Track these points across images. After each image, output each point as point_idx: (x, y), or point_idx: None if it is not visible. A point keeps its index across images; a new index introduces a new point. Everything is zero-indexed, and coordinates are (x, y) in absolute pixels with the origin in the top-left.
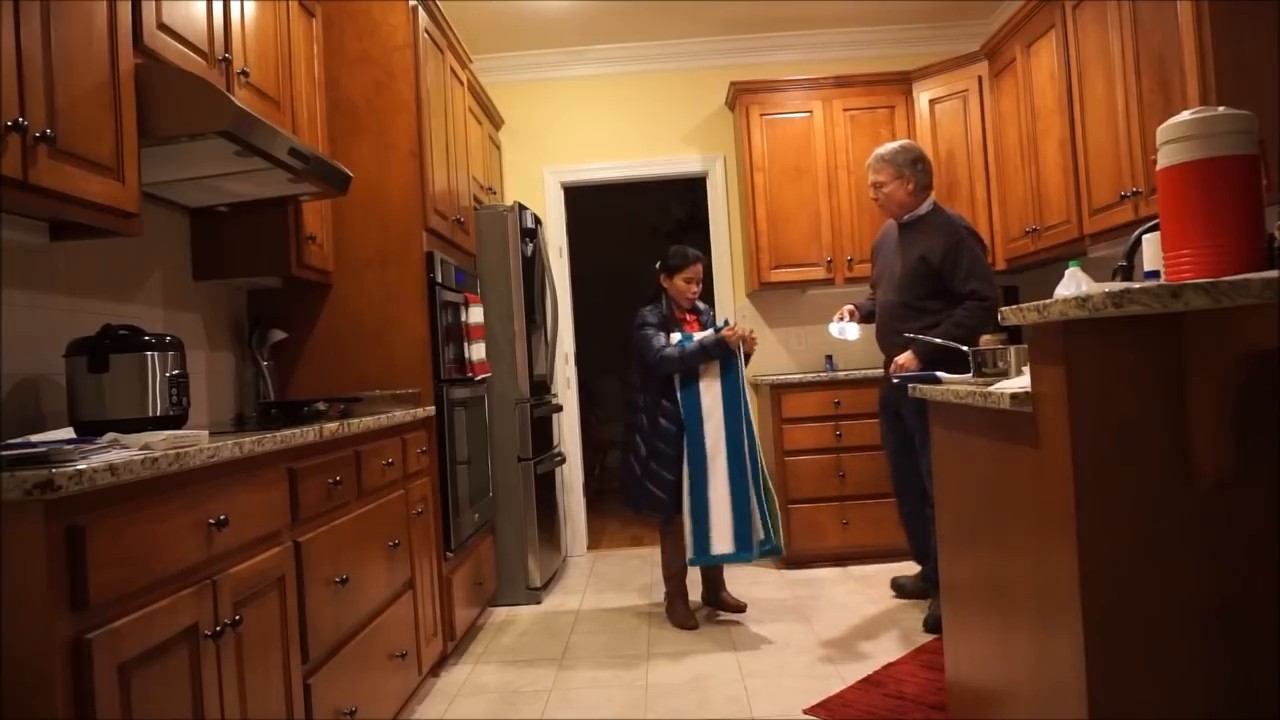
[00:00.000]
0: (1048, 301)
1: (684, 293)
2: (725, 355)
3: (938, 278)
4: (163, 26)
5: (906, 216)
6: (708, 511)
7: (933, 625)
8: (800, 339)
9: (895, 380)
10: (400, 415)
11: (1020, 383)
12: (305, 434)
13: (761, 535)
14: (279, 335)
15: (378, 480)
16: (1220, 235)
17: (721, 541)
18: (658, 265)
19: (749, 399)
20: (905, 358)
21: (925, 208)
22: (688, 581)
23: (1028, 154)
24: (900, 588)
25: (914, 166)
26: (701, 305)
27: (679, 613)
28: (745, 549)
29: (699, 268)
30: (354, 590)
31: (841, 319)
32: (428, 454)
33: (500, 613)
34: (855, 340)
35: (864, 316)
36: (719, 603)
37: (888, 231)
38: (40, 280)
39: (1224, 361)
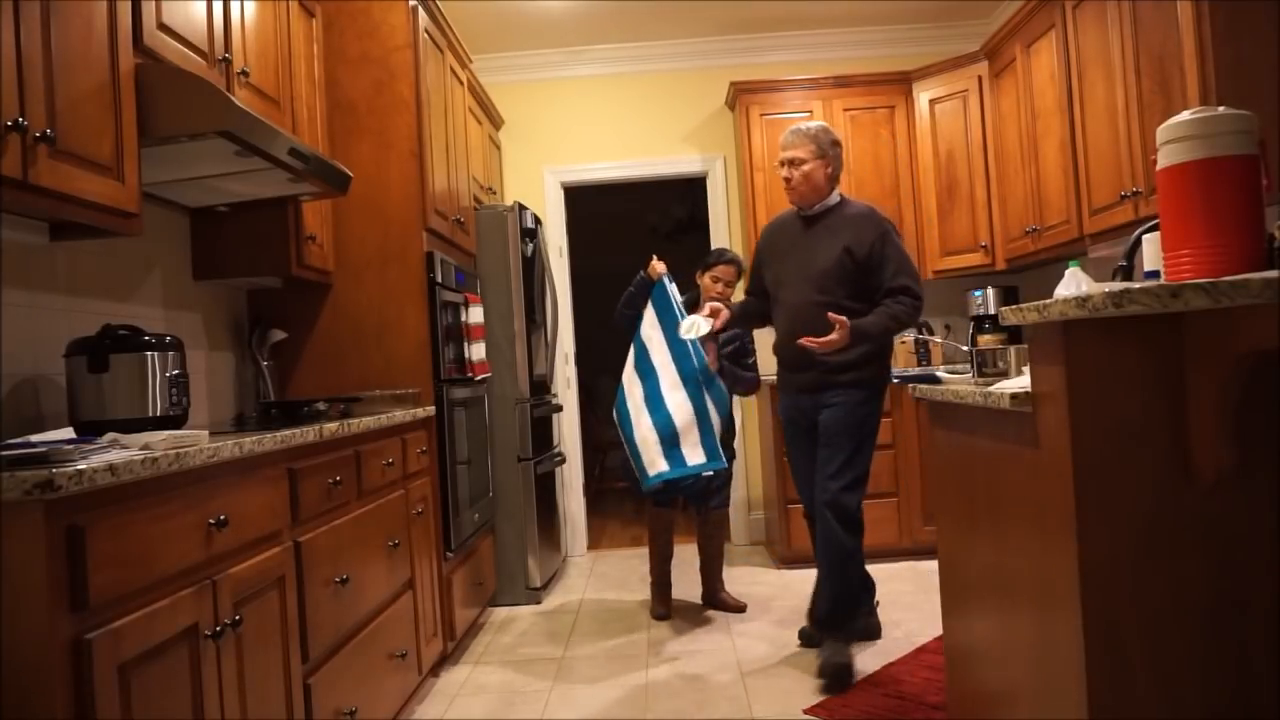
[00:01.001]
0: (1048, 301)
1: (709, 290)
2: (655, 295)
3: (862, 274)
4: (163, 26)
5: (817, 206)
6: (654, 434)
7: (830, 676)
8: None
9: (898, 380)
10: (400, 415)
11: (1020, 383)
12: (305, 434)
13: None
14: (279, 335)
15: (378, 480)
16: (1220, 235)
17: (666, 460)
18: (699, 262)
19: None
20: (837, 335)
21: (835, 198)
22: (689, 581)
23: (1028, 154)
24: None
25: (834, 149)
26: None
27: (655, 600)
28: (716, 459)
29: (729, 269)
30: (354, 590)
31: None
32: (428, 454)
33: (500, 613)
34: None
35: (737, 319)
36: (718, 603)
37: (782, 227)
38: (40, 280)
39: (1224, 361)
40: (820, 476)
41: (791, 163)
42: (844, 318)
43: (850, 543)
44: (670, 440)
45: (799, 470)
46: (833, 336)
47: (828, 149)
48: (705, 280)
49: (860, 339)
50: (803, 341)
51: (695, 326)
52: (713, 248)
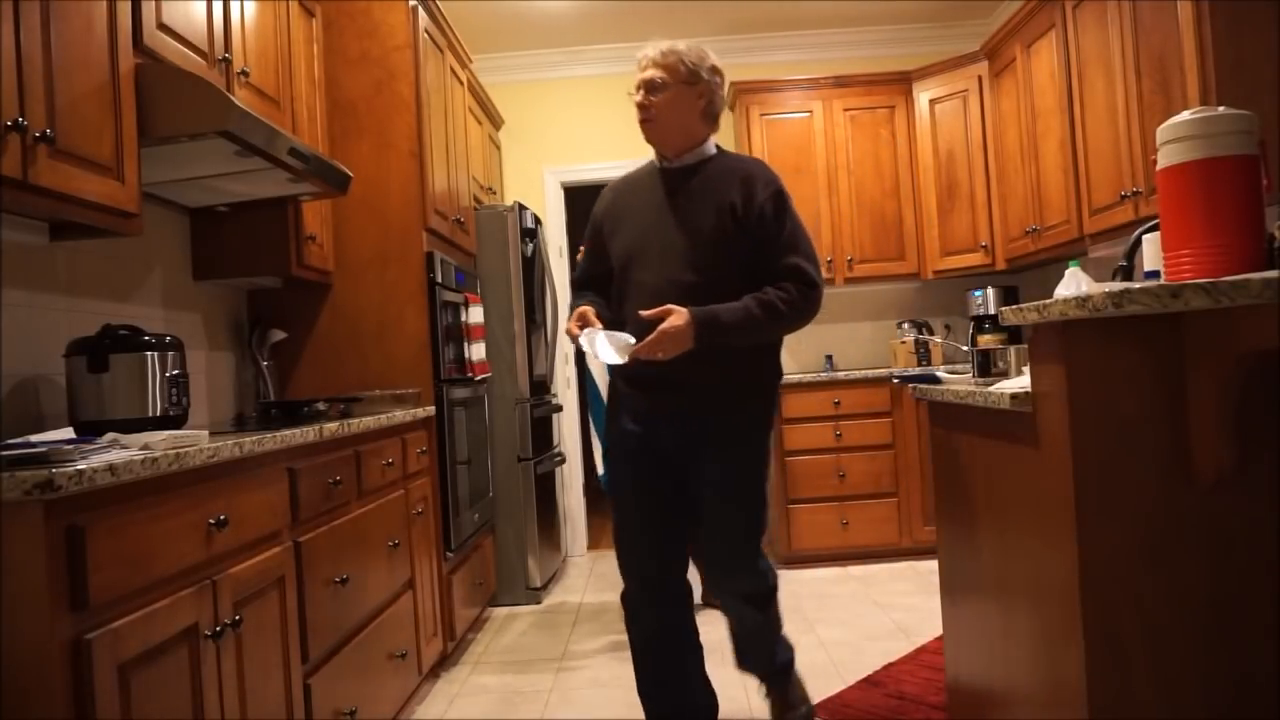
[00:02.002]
0: (1048, 301)
1: None
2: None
3: (752, 244)
4: (163, 26)
5: (686, 155)
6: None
7: None
8: (800, 339)
9: (898, 381)
10: (400, 415)
11: (1020, 383)
12: (305, 434)
13: None
14: (279, 335)
15: (378, 480)
16: (1220, 235)
17: None
18: None
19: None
20: (673, 321)
21: (711, 148)
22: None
23: (1028, 154)
24: None
25: (713, 77)
26: None
27: None
28: None
29: None
30: (354, 590)
31: (583, 328)
32: (428, 454)
33: (500, 612)
34: (619, 361)
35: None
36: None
37: (633, 185)
38: (40, 280)
39: (1224, 361)
40: (715, 554)
41: (649, 86)
42: (679, 307)
43: (774, 618)
44: None
45: (639, 526)
46: (664, 327)
47: (702, 74)
48: None
49: (710, 334)
50: (634, 350)
51: (596, 344)
52: None
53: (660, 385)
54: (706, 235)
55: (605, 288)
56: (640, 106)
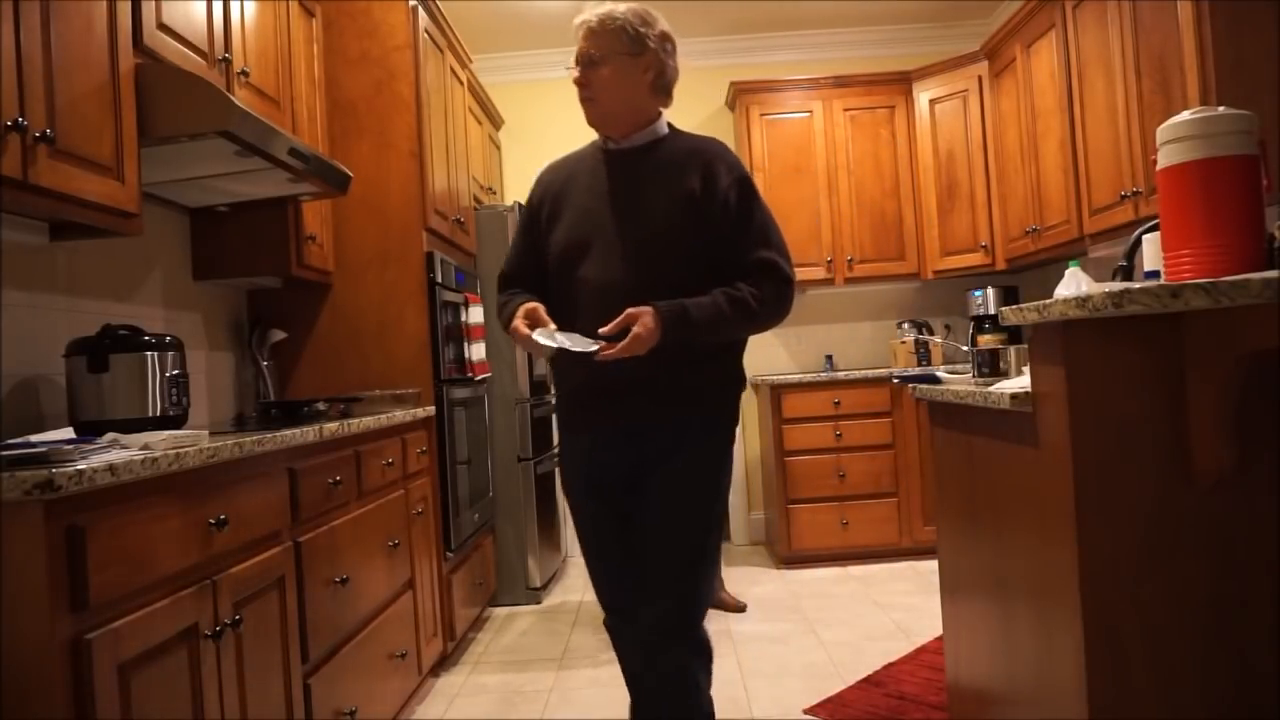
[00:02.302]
0: (1048, 301)
1: None
2: None
3: (714, 238)
4: (163, 26)
5: (635, 135)
6: None
7: None
8: (800, 339)
9: (898, 381)
10: (400, 415)
11: (1020, 383)
12: (305, 434)
13: None
14: (279, 335)
15: (378, 480)
16: (1220, 235)
17: None
18: None
19: None
20: (644, 324)
21: (663, 127)
22: None
23: (1028, 154)
24: None
25: (661, 44)
26: None
27: None
28: None
29: None
30: (354, 590)
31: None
32: (428, 454)
33: (500, 612)
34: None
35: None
36: (717, 603)
37: (575, 169)
38: (40, 280)
39: (1224, 361)
40: (655, 579)
41: (586, 60)
42: (643, 309)
43: (703, 675)
44: None
45: (598, 554)
46: (637, 330)
47: (648, 42)
48: None
49: (677, 329)
50: (604, 354)
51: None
52: None
53: (612, 394)
54: (660, 227)
55: (537, 283)
56: (578, 84)
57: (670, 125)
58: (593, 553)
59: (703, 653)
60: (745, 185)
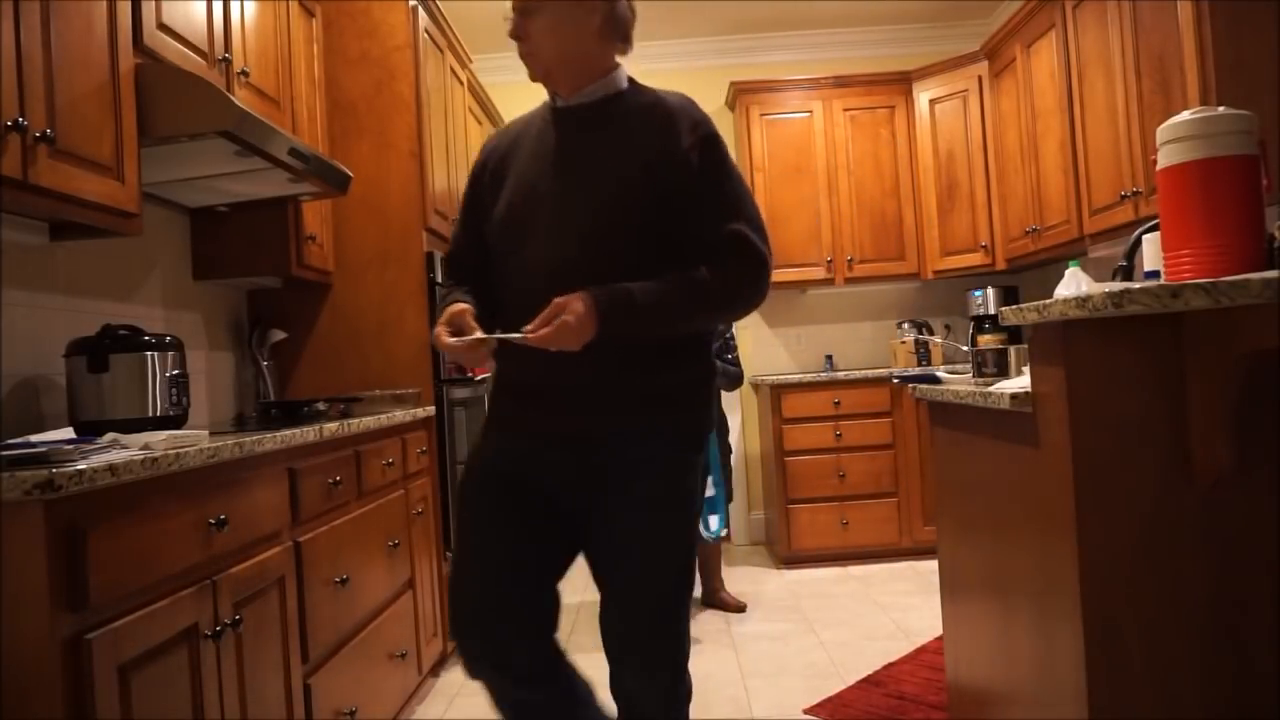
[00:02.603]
0: (1048, 301)
1: None
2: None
3: (673, 209)
4: (162, 26)
5: (586, 89)
6: None
7: None
8: (800, 339)
9: (898, 381)
10: (400, 415)
11: (1020, 383)
12: (305, 434)
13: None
14: (279, 335)
15: (378, 480)
16: (1220, 235)
17: None
18: None
19: None
20: (574, 311)
21: (620, 79)
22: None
23: (1028, 154)
24: None
25: None
26: None
27: None
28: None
29: None
30: (354, 590)
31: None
32: (428, 454)
33: None
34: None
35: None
36: (717, 602)
37: (521, 132)
38: (40, 280)
39: (1224, 361)
40: (624, 630)
41: (522, 10)
42: (579, 294)
43: None
44: None
45: (484, 560)
46: (565, 317)
47: None
48: None
49: (617, 317)
50: (528, 335)
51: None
52: None
53: (548, 395)
54: (613, 197)
55: (483, 268)
56: (513, 37)
57: (631, 80)
58: (467, 558)
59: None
60: (712, 145)
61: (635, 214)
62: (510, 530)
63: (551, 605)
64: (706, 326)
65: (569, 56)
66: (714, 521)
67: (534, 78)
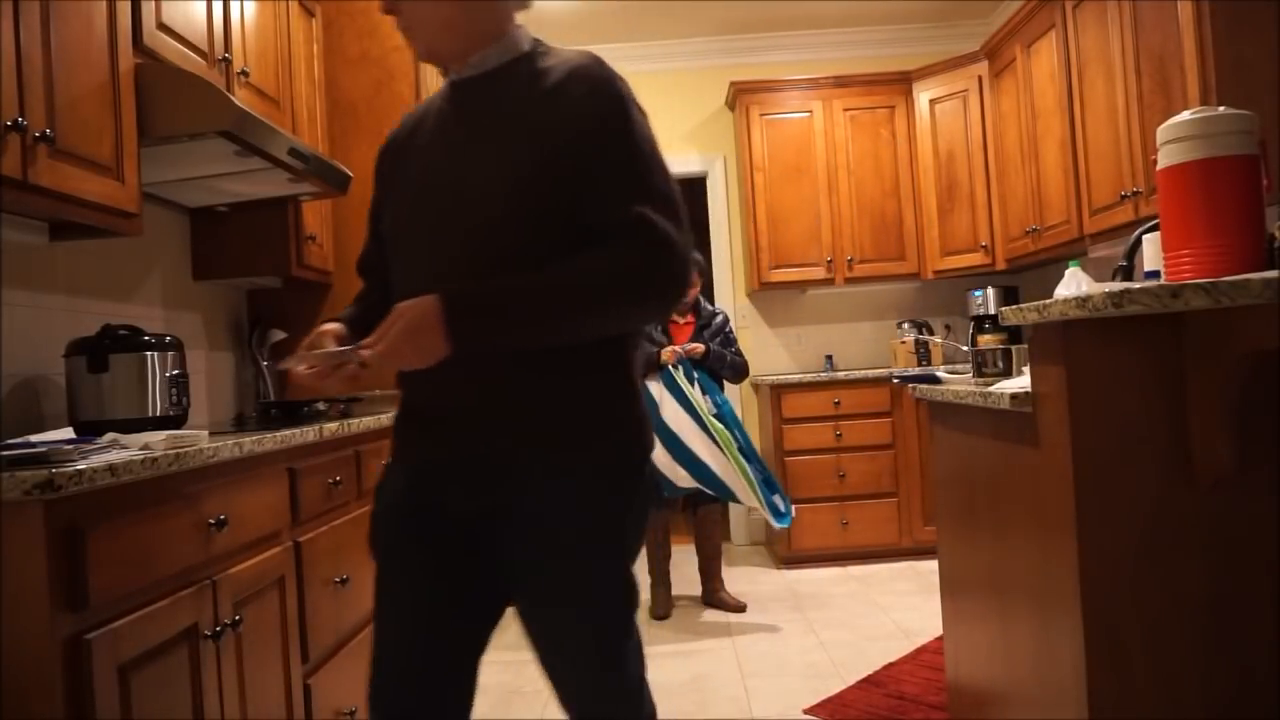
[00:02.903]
0: (1048, 301)
1: None
2: (659, 368)
3: (569, 193)
4: (162, 26)
5: (475, 59)
6: (693, 457)
7: None
8: (800, 339)
9: (898, 381)
10: None
11: (1020, 383)
12: (305, 434)
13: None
14: (279, 335)
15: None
16: (1220, 235)
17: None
18: None
19: (713, 393)
20: (408, 320)
21: (521, 43)
22: (688, 581)
23: (1028, 154)
24: None
25: None
26: (709, 306)
27: (654, 601)
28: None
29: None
30: (354, 590)
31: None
32: None
33: None
34: None
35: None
36: (717, 602)
37: (423, 116)
38: (40, 280)
39: (1224, 361)
40: (560, 683)
41: None
42: (426, 297)
43: None
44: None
45: (396, 615)
46: (398, 328)
47: None
48: None
49: (470, 322)
50: (361, 351)
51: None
52: (711, 248)
53: (436, 420)
54: (505, 183)
55: (388, 272)
56: (386, 12)
57: (537, 42)
58: (385, 629)
59: None
60: (616, 109)
61: (529, 202)
62: (421, 592)
63: (470, 684)
64: (606, 328)
65: (449, 21)
66: (780, 503)
67: (420, 57)
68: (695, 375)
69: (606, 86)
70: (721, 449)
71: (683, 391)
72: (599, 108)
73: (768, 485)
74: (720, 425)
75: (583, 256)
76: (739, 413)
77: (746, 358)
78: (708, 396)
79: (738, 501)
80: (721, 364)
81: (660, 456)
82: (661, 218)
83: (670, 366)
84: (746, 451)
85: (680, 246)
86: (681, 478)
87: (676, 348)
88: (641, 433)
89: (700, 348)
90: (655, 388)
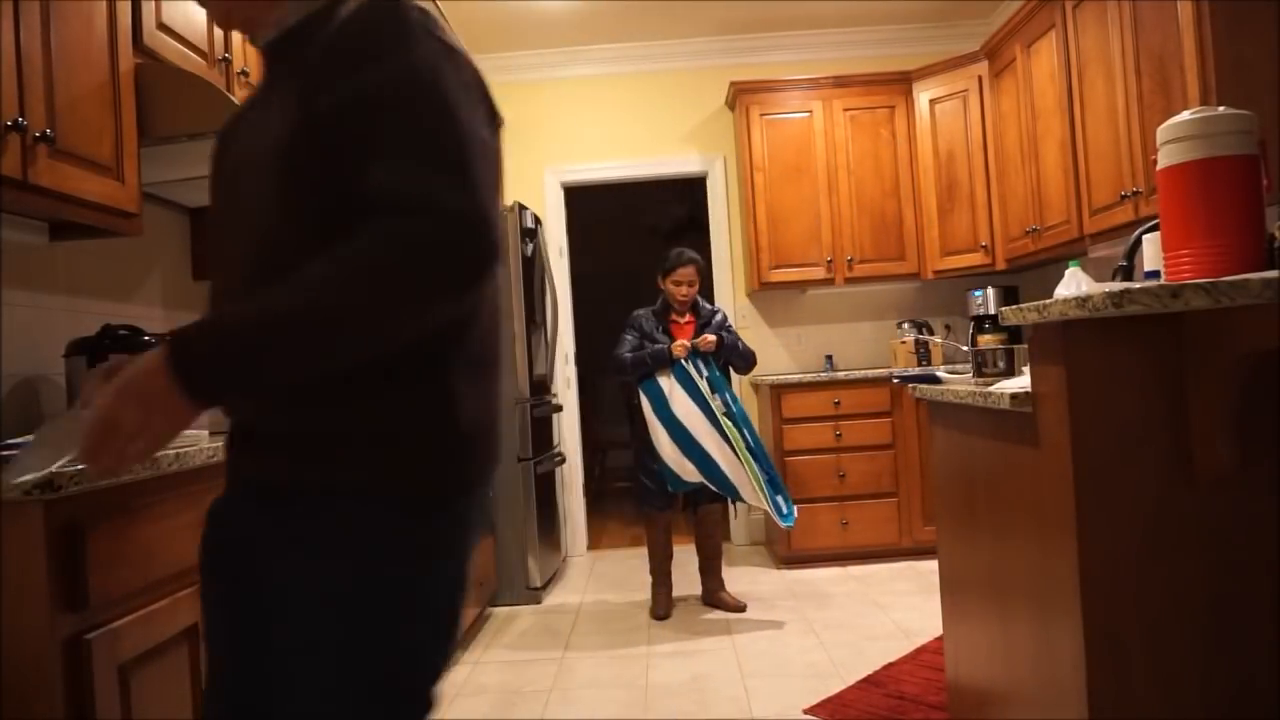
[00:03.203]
0: (1048, 301)
1: (675, 295)
2: (671, 363)
3: (333, 162)
4: (162, 26)
5: (271, 23)
6: (705, 455)
7: None
8: (800, 339)
9: (898, 380)
10: None
11: (1020, 383)
12: None
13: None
14: None
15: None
16: (1220, 235)
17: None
18: (658, 267)
19: (723, 391)
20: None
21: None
22: (689, 580)
23: (1028, 154)
24: None
25: None
26: (709, 306)
27: (654, 601)
28: (733, 496)
29: (690, 270)
30: None
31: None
32: None
33: (500, 612)
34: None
35: None
36: (718, 602)
37: (243, 106)
38: (40, 280)
39: (1224, 361)
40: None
41: None
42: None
43: None
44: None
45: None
46: (103, 390)
47: None
48: (668, 285)
49: (205, 374)
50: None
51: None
52: (711, 248)
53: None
54: (265, 169)
55: None
56: None
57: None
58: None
59: None
60: (368, 48)
61: (289, 195)
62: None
63: None
64: (365, 344)
65: None
66: (782, 504)
67: (221, 26)
68: (706, 373)
69: (380, 28)
70: (731, 446)
71: (695, 385)
72: (360, 53)
73: (772, 485)
74: (730, 424)
75: (313, 262)
76: None
77: None
78: (718, 395)
79: (742, 500)
80: (734, 352)
81: (669, 450)
82: (414, 181)
83: (682, 361)
84: (755, 451)
85: (450, 212)
86: (689, 472)
87: (686, 341)
88: (418, 460)
89: (713, 339)
90: (665, 382)
